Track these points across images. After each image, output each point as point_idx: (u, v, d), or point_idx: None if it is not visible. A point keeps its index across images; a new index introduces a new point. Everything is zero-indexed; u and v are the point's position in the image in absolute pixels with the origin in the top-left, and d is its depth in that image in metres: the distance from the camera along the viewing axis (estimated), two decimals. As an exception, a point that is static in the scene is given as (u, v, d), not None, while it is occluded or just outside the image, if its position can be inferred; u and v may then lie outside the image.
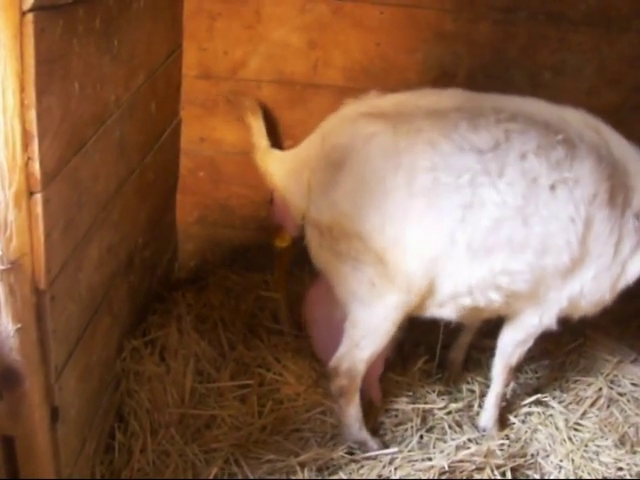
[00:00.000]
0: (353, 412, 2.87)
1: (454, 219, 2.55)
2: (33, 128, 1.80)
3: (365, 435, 2.88)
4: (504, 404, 3.12)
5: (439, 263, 2.60)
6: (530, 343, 2.94)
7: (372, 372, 2.97)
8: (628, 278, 2.81)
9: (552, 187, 2.59)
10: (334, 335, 2.88)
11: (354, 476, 2.74)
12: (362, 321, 2.74)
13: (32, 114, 1.79)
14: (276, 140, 3.48)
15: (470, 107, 2.68)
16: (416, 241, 2.57)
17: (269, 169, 2.97)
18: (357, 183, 2.62)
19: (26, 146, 1.81)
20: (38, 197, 1.88)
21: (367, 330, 2.75)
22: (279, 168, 2.93)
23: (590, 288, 2.75)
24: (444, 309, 2.77)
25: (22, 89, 1.75)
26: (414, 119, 2.64)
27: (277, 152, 3.07)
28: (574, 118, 2.75)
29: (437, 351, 3.33)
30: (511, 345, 2.94)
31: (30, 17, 1.72)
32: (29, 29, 1.72)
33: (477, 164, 2.55)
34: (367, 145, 2.62)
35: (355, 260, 2.66)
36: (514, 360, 2.98)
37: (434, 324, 3.18)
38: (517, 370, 3.21)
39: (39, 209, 1.89)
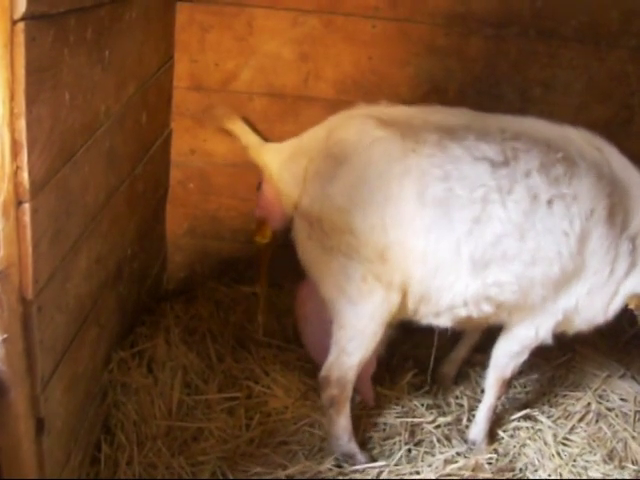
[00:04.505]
0: (343, 423, 2.86)
1: (463, 232, 2.58)
2: (22, 137, 1.79)
3: (354, 447, 2.87)
4: (494, 418, 3.12)
5: (441, 272, 2.62)
6: (525, 356, 2.94)
7: (364, 371, 2.95)
8: (621, 301, 2.83)
9: (549, 202, 2.62)
10: (325, 332, 2.86)
11: (341, 490, 2.73)
12: (349, 321, 2.73)
13: (22, 123, 1.78)
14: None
15: (477, 125, 2.72)
16: (422, 248, 2.59)
17: (264, 160, 2.93)
18: (357, 181, 2.62)
19: (15, 155, 1.80)
20: (26, 207, 1.87)
21: (354, 331, 2.73)
22: (275, 157, 2.90)
23: (584, 303, 2.77)
24: (441, 318, 2.78)
25: (12, 98, 1.74)
26: (422, 131, 2.67)
27: (273, 144, 3.04)
28: (577, 137, 2.79)
29: (430, 365, 3.32)
30: (505, 356, 2.95)
31: (21, 26, 1.71)
32: (20, 38, 1.72)
33: (491, 180, 2.58)
34: (372, 146, 2.64)
35: (345, 256, 2.65)
36: (508, 372, 2.97)
37: (423, 338, 3.18)
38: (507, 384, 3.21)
39: (27, 219, 1.88)
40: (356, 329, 2.74)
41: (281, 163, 2.86)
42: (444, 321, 2.80)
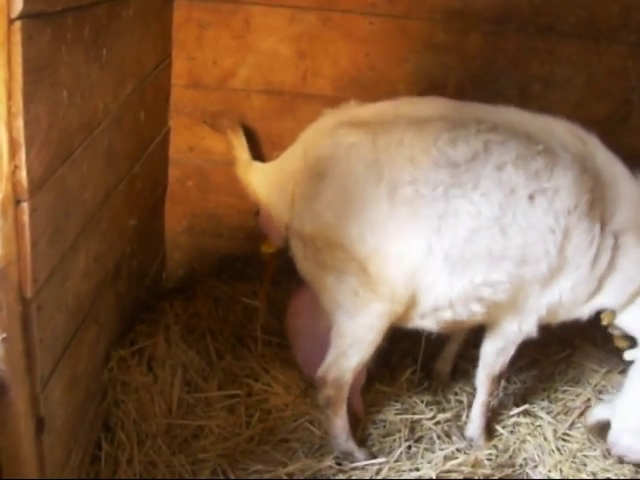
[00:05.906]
0: (340, 423, 2.86)
1: (431, 229, 2.56)
2: (20, 136, 1.79)
3: (352, 446, 2.88)
4: (490, 414, 3.11)
5: (419, 273, 2.60)
6: (512, 351, 2.95)
7: (354, 384, 2.96)
8: (605, 299, 2.85)
9: (530, 197, 2.60)
10: (317, 345, 2.88)
11: (342, 486, 2.73)
12: (348, 331, 2.74)
13: (19, 122, 1.78)
14: (264, 150, 3.49)
15: (452, 116, 2.69)
16: (397, 250, 2.58)
17: (252, 181, 2.98)
18: (339, 194, 2.62)
19: (13, 154, 1.80)
20: (25, 206, 1.87)
21: (353, 339, 2.74)
22: (262, 181, 2.95)
23: (568, 298, 2.78)
24: (426, 320, 2.78)
25: (9, 97, 1.74)
26: (394, 129, 2.65)
27: (259, 164, 3.07)
28: (560, 128, 2.76)
29: (419, 360, 3.33)
30: (493, 353, 2.96)
31: (18, 25, 1.71)
32: (17, 37, 1.71)
33: (450, 178, 2.56)
34: (348, 156, 2.63)
35: (338, 270, 2.66)
36: (497, 369, 2.98)
37: (421, 335, 3.18)
38: (505, 380, 3.21)
39: (26, 218, 1.88)
40: (355, 338, 2.75)
41: (268, 188, 2.90)
42: (430, 323, 2.80)
